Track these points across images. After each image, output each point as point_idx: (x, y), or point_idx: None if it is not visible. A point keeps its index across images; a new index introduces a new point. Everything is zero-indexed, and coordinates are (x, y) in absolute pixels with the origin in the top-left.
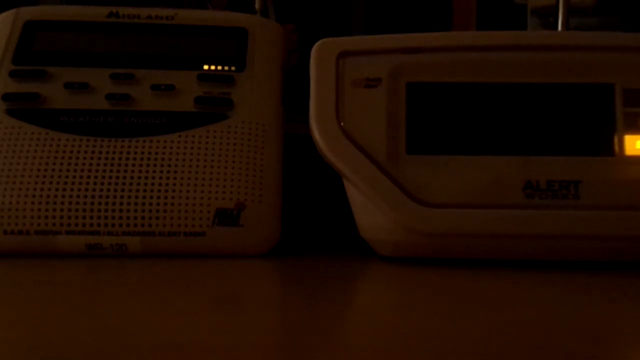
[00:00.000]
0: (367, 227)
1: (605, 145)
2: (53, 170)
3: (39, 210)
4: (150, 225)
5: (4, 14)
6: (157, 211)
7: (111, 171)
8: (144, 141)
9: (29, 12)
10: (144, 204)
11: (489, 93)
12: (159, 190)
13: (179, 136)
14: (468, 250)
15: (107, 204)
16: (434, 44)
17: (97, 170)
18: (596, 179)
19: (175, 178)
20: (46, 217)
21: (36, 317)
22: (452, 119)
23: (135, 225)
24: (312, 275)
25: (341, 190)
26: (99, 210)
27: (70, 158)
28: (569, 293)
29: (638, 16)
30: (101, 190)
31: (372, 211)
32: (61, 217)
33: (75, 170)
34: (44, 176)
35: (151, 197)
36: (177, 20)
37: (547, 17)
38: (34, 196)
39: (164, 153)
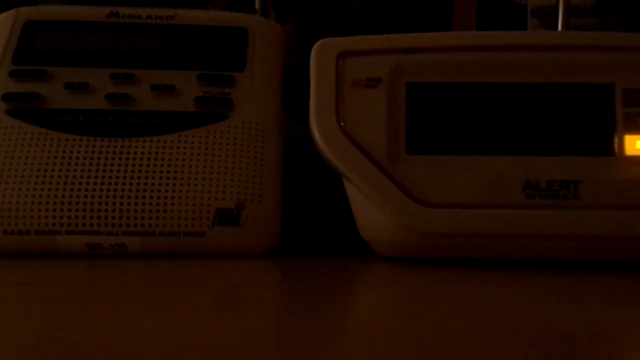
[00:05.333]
0: (367, 227)
1: (605, 145)
2: (53, 170)
3: (39, 210)
4: (150, 225)
5: (4, 14)
6: (157, 211)
7: (111, 171)
8: (144, 141)
9: (29, 12)
10: (144, 204)
11: (489, 93)
12: (159, 190)
13: (179, 136)
14: (468, 250)
15: (107, 204)
16: (434, 44)
17: (97, 170)
18: (596, 179)
19: (175, 178)
20: (46, 217)
21: (36, 317)
22: (452, 119)
23: (135, 225)
24: (312, 275)
25: (341, 190)
26: (99, 210)
27: (70, 158)
28: (569, 293)
29: (638, 16)
30: (101, 190)
31: (372, 211)
32: (61, 217)
33: (75, 170)
34: (44, 176)
35: (151, 197)
36: (177, 20)
37: (547, 17)
38: (34, 196)
39: (164, 153)
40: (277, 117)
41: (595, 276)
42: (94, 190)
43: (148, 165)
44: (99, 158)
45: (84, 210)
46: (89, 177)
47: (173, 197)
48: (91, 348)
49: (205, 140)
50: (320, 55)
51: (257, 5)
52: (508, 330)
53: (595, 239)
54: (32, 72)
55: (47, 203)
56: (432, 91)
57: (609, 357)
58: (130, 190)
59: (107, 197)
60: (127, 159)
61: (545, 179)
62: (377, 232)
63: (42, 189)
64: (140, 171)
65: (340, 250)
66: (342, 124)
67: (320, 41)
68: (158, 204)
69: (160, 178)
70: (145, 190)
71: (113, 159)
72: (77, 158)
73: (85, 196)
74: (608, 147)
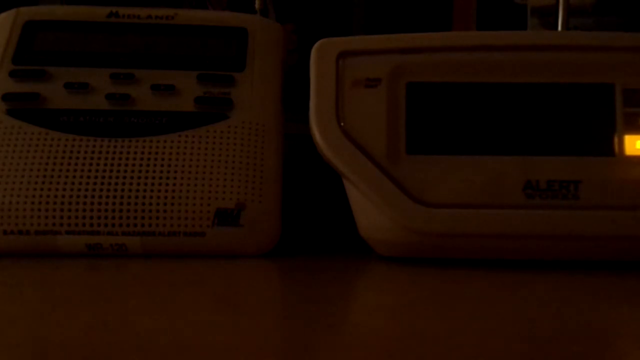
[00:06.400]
0: (367, 227)
1: (605, 145)
2: (53, 170)
3: (39, 210)
4: (150, 225)
5: (4, 14)
6: (157, 211)
7: (111, 171)
8: (144, 141)
9: (29, 12)
10: (144, 204)
11: (489, 93)
12: (159, 190)
13: (179, 136)
14: (468, 250)
15: (107, 204)
16: (434, 44)
17: (97, 170)
18: (596, 179)
19: (175, 178)
20: (46, 217)
21: (36, 317)
22: (452, 119)
23: (135, 225)
24: (312, 275)
25: (341, 190)
26: (99, 210)
27: (70, 158)
28: (568, 293)
29: (638, 16)
30: (101, 190)
31: (372, 211)
32: (61, 217)
33: (75, 170)
34: (44, 176)
35: (151, 197)
36: (177, 20)
37: (547, 17)
38: (34, 196)
39: (164, 153)
40: (277, 117)
41: (595, 276)
42: (94, 190)
43: (148, 165)
44: (99, 158)
45: (84, 210)
46: (89, 177)
47: (173, 197)
48: (91, 348)
49: (205, 140)
50: (320, 55)
51: (257, 5)
52: (508, 331)
53: (595, 239)
54: (32, 72)
55: (47, 203)
56: (432, 91)
57: (609, 357)
58: (130, 190)
59: (107, 197)
60: (127, 159)
61: (545, 179)
62: (377, 232)
63: (42, 189)
64: (140, 171)
65: (340, 250)
66: (342, 124)
67: (320, 41)
68: (158, 204)
69: (160, 178)
70: (145, 190)
71: (113, 159)
72: (77, 158)
73: (85, 196)
74: (608, 147)
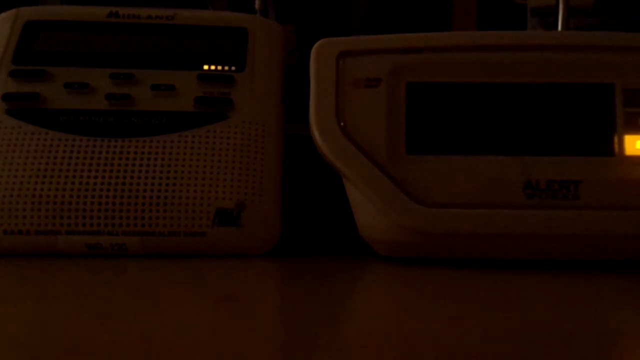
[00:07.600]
0: (367, 227)
1: (605, 145)
2: (53, 170)
3: (39, 210)
4: (150, 225)
5: (4, 14)
6: (157, 211)
7: (111, 171)
8: (144, 141)
9: (29, 12)
10: (144, 204)
11: (489, 93)
12: (159, 190)
13: (179, 136)
14: (468, 250)
15: (107, 204)
16: (434, 44)
17: (97, 170)
18: (596, 179)
19: (175, 178)
20: (46, 217)
21: (36, 317)
22: (452, 118)
23: (135, 225)
24: (312, 275)
25: (341, 190)
26: (99, 210)
27: (70, 158)
28: (568, 293)
29: (638, 16)
30: (101, 190)
31: (372, 211)
32: (61, 217)
33: (75, 170)
34: (44, 176)
35: (151, 197)
36: (177, 20)
37: (547, 17)
38: (34, 196)
39: (164, 153)
40: (277, 117)
41: (595, 276)
42: (94, 190)
43: (148, 165)
44: (99, 158)
45: (84, 210)
46: (89, 177)
47: (173, 197)
48: (91, 348)
49: (205, 140)
50: (320, 55)
51: (257, 5)
52: (508, 330)
53: (595, 239)
54: (32, 72)
55: (47, 203)
56: (432, 91)
57: (610, 356)
58: (130, 190)
59: (107, 197)
60: (127, 159)
61: (545, 179)
62: (377, 232)
63: (42, 189)
64: (140, 171)
65: (340, 250)
66: (342, 124)
67: (320, 41)
68: (158, 204)
69: (160, 178)
70: (145, 190)
71: (113, 159)
72: (77, 158)
73: (85, 196)
74: (608, 147)
